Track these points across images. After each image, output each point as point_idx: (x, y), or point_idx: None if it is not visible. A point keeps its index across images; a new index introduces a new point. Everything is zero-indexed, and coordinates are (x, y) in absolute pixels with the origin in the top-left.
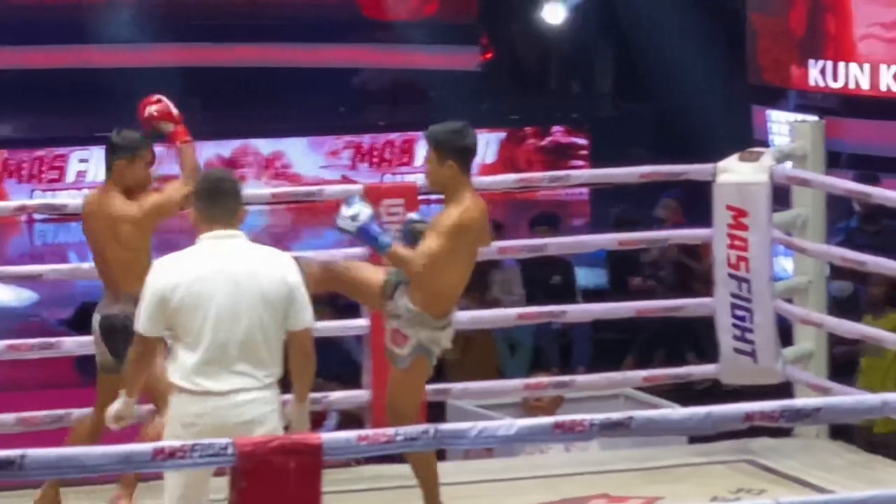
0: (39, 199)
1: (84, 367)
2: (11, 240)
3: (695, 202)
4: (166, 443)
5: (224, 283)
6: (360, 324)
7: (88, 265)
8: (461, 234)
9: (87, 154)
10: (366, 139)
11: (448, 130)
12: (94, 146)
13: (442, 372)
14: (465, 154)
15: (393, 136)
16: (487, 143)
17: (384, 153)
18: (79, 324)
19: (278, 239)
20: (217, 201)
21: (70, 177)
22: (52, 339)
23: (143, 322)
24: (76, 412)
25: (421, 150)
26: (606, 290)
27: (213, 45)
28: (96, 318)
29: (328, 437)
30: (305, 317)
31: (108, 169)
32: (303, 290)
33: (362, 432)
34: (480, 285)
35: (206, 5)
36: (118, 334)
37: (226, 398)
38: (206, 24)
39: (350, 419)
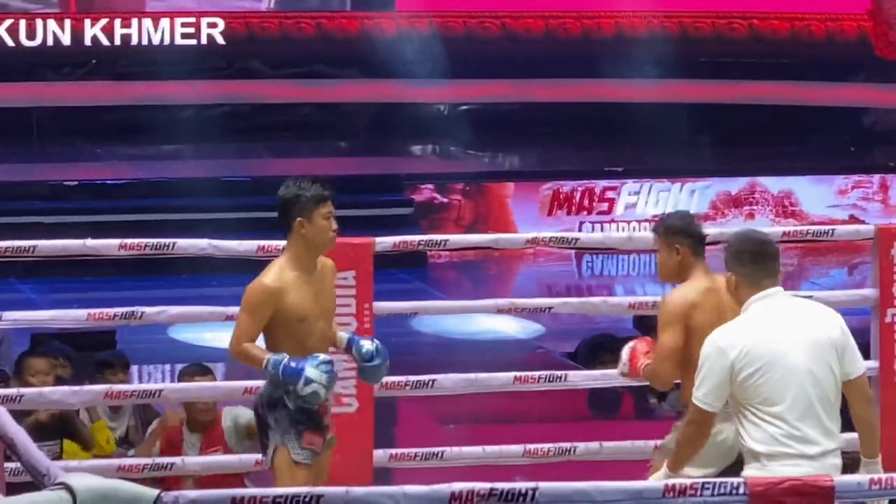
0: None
1: (595, 402)
2: (518, 271)
3: None
4: (678, 480)
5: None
6: (870, 365)
7: (597, 299)
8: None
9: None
10: (875, 179)
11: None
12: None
13: None
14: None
15: None
16: None
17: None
18: (582, 357)
19: (786, 278)
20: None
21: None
22: (560, 373)
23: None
24: (581, 445)
25: None
26: None
27: (724, 82)
28: None
29: (841, 479)
30: (862, 363)
31: None
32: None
33: (875, 476)
34: None
35: (716, 42)
36: None
37: (818, 461)
38: (716, 61)
39: None
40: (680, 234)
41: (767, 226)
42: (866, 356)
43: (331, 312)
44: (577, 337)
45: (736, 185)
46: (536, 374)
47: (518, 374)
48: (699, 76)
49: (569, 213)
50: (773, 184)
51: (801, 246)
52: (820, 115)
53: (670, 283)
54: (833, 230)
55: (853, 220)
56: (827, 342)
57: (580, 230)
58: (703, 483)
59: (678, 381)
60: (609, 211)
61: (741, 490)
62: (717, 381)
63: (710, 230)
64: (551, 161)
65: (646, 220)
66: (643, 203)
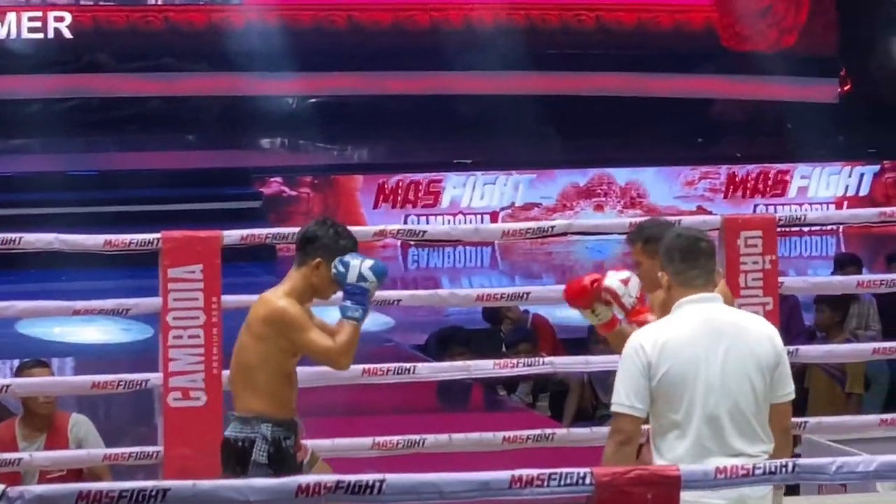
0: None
1: (444, 394)
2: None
3: None
4: (524, 471)
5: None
6: None
7: (445, 292)
8: None
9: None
10: (722, 170)
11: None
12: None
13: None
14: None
15: (750, 167)
16: (848, 176)
17: (742, 184)
18: (431, 350)
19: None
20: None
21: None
22: (408, 365)
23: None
24: (430, 437)
25: (782, 180)
26: None
27: (572, 74)
28: None
29: (686, 468)
30: (788, 390)
31: None
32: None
33: (720, 465)
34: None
35: (564, 34)
36: None
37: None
38: (563, 53)
39: None
40: (661, 240)
41: (615, 217)
42: None
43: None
44: (426, 329)
45: (584, 176)
46: (385, 366)
47: (367, 366)
48: (547, 68)
49: (393, 207)
50: (621, 175)
51: None
52: (667, 107)
53: (654, 292)
54: (679, 221)
55: (700, 210)
56: (751, 358)
57: (405, 223)
58: (550, 473)
59: None
60: (434, 204)
61: (588, 480)
62: (634, 381)
63: (557, 222)
64: (401, 153)
65: (472, 213)
66: (468, 196)
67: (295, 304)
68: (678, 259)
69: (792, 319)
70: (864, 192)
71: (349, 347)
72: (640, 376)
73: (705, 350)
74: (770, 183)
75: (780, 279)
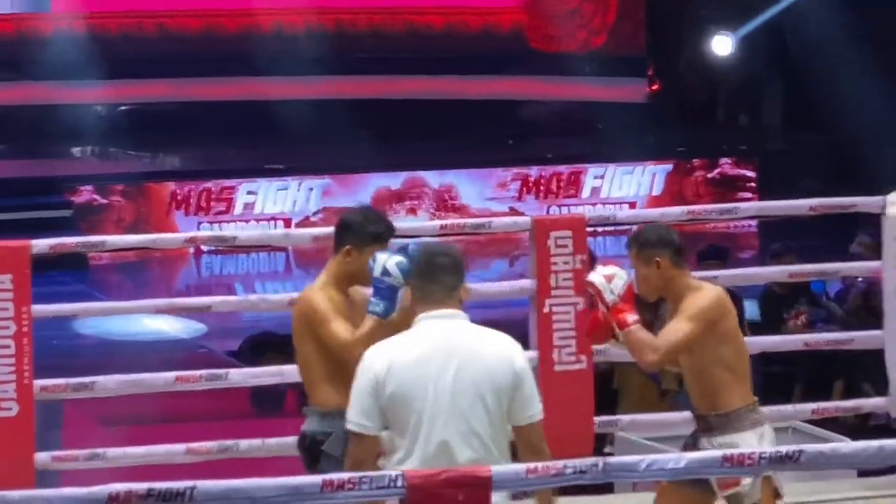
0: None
1: (257, 399)
2: (179, 272)
3: None
4: (335, 475)
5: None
6: (528, 356)
7: (255, 297)
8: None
9: (255, 186)
10: (533, 171)
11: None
12: (262, 178)
13: (612, 402)
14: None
15: (561, 168)
16: (654, 175)
17: (551, 185)
18: (245, 356)
19: None
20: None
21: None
22: (221, 371)
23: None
24: (244, 443)
25: (588, 182)
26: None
27: (382, 78)
28: None
29: (497, 469)
30: (535, 409)
31: None
32: (531, 380)
33: (531, 465)
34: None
35: (373, 38)
36: None
37: None
38: (373, 57)
39: None
40: (656, 245)
41: (426, 220)
42: (525, 346)
43: None
44: (240, 335)
45: (397, 180)
46: (198, 372)
47: (179, 373)
48: (357, 72)
49: (187, 214)
50: (434, 178)
51: (463, 239)
52: (478, 109)
53: (654, 300)
54: (490, 223)
55: (513, 212)
56: (486, 379)
57: (198, 230)
58: (362, 477)
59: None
60: (227, 211)
61: (399, 483)
62: (363, 398)
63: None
64: (213, 160)
65: (265, 220)
66: (261, 202)
67: (324, 294)
68: (416, 273)
69: None
70: (657, 191)
71: (364, 340)
72: (368, 394)
73: (436, 369)
74: (564, 184)
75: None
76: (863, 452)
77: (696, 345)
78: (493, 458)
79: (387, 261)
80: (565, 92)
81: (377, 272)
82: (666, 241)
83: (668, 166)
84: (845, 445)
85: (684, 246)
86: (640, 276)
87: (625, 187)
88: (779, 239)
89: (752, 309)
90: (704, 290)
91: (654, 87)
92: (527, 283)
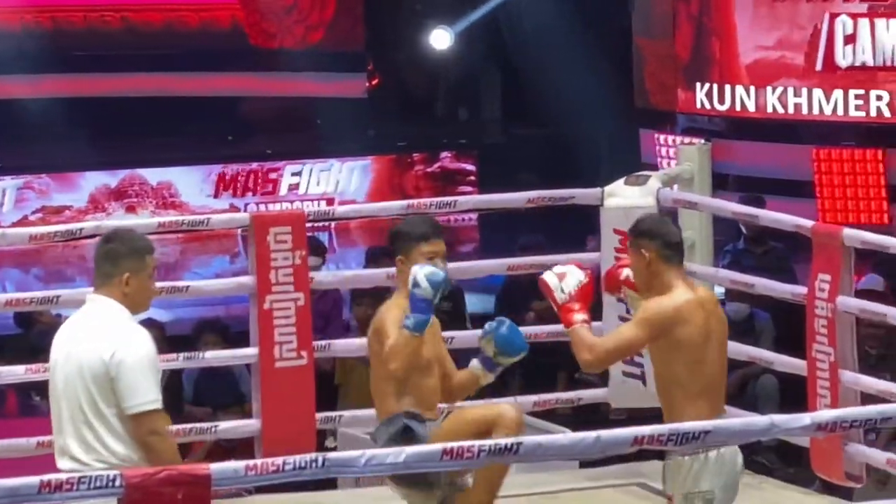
0: None
1: None
2: None
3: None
4: (52, 476)
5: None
6: (249, 353)
7: None
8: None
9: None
10: (253, 167)
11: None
12: None
13: (334, 398)
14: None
15: (279, 163)
16: (374, 170)
17: (248, 182)
18: None
19: (167, 269)
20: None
21: None
22: None
23: None
24: None
25: (291, 178)
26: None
27: (99, 76)
28: None
29: (216, 467)
30: (133, 402)
31: None
32: (133, 371)
33: (251, 462)
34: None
35: (90, 35)
36: None
37: None
38: (90, 55)
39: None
40: (645, 235)
41: (147, 218)
42: (246, 343)
43: (445, 358)
44: None
45: (115, 177)
46: None
47: None
48: (74, 70)
49: None
50: (153, 175)
51: (182, 237)
52: (197, 106)
53: (647, 294)
54: (209, 219)
55: (233, 208)
56: (85, 368)
57: None
58: (80, 477)
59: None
60: None
61: (118, 482)
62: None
63: (87, 224)
64: None
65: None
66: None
67: (395, 310)
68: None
69: (333, 313)
70: (377, 186)
71: (393, 351)
72: None
73: (59, 353)
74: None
75: (311, 274)
76: (580, 443)
77: (654, 354)
78: (90, 446)
79: (418, 272)
80: (285, 88)
81: (410, 284)
82: (655, 234)
83: (389, 160)
84: (563, 437)
85: (679, 242)
86: (632, 266)
87: (322, 184)
88: (499, 232)
89: (480, 302)
90: (671, 295)
91: (374, 81)
92: (247, 280)
